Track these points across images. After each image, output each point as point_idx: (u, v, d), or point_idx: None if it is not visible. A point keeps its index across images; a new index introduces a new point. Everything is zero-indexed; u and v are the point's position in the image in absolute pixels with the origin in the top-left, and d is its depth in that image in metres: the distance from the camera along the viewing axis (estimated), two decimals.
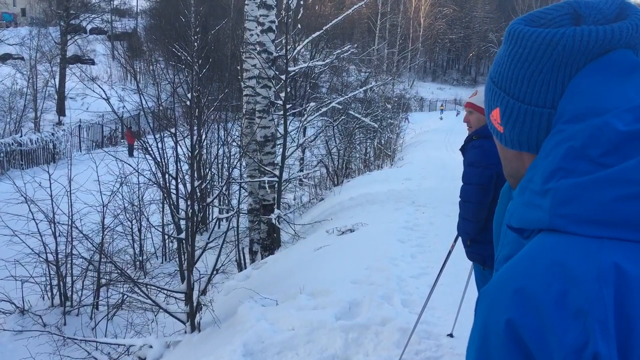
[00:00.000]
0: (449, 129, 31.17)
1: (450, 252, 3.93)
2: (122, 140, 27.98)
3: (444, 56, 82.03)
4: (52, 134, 23.71)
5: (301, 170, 15.34)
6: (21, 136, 22.27)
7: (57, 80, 32.64)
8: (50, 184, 7.62)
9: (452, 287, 4.80)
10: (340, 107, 15.06)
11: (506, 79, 0.86)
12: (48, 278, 7.71)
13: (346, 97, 15.29)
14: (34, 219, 7.52)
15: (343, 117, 16.68)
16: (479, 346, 0.73)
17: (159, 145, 6.00)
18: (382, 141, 20.83)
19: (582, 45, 0.78)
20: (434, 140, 25.43)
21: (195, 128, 6.30)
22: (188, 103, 6.38)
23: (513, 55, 0.84)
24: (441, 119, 43.95)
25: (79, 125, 25.78)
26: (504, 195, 2.26)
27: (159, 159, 5.95)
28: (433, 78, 76.54)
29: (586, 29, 0.78)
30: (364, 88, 18.47)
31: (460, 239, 3.49)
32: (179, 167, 6.07)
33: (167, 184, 6.09)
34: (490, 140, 3.17)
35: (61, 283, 7.68)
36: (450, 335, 4.18)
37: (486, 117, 0.96)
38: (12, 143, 20.84)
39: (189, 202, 5.85)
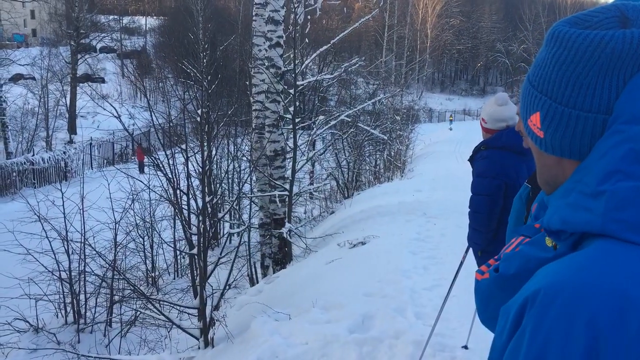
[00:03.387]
0: (459, 139, 31.06)
1: (461, 264, 3.91)
2: (132, 157, 28.18)
3: (452, 67, 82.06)
4: (64, 152, 23.93)
5: (311, 184, 15.36)
6: (33, 155, 22.50)
7: (68, 99, 33.06)
8: (63, 202, 7.68)
9: (465, 298, 4.76)
10: (349, 120, 15.09)
11: (548, 82, 0.83)
12: (62, 296, 7.74)
13: (355, 109, 15.31)
14: (47, 237, 7.57)
15: (352, 130, 16.71)
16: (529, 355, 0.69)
17: (170, 161, 6.03)
18: (392, 153, 20.82)
19: (631, 48, 0.76)
20: (444, 151, 25.37)
21: (205, 144, 6.33)
22: (198, 119, 6.42)
23: (557, 58, 0.82)
24: (450, 129, 43.86)
25: (90, 143, 26.02)
26: (516, 204, 2.26)
27: (170, 176, 5.98)
28: (441, 89, 76.54)
29: (636, 32, 0.76)
30: (372, 100, 18.50)
31: (471, 249, 3.48)
32: (190, 183, 6.11)
33: (179, 200, 6.12)
34: (499, 150, 3.17)
35: (74, 301, 7.71)
36: (465, 347, 4.15)
37: (523, 122, 0.93)
38: (25, 162, 21.06)
39: (200, 218, 5.87)
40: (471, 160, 3.39)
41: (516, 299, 0.76)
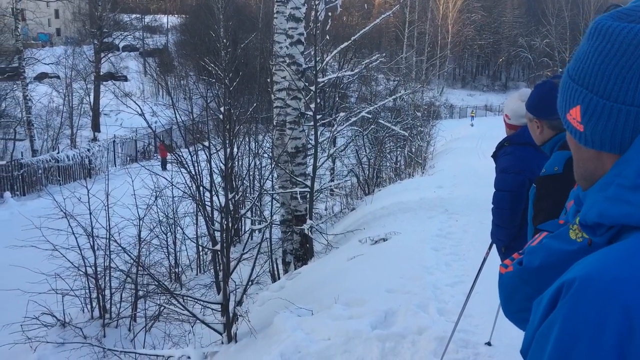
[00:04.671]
0: (480, 135, 30.81)
1: (485, 260, 3.90)
2: (155, 155, 28.47)
3: (473, 62, 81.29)
4: (88, 150, 24.28)
5: (332, 180, 15.36)
6: (58, 152, 22.87)
7: (91, 97, 33.51)
8: (89, 199, 7.80)
9: (488, 294, 4.73)
10: (370, 117, 15.05)
11: (590, 75, 0.83)
12: (87, 291, 7.87)
13: (375, 106, 15.27)
14: (73, 233, 7.70)
15: (373, 127, 16.67)
16: (558, 348, 0.69)
17: (193, 158, 6.10)
18: (413, 149, 20.72)
19: None
20: (466, 147, 25.17)
21: (228, 141, 6.39)
22: (220, 117, 6.47)
23: (600, 52, 0.82)
24: (472, 125, 43.50)
25: (114, 141, 26.35)
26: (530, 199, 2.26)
27: (193, 172, 6.05)
28: (463, 85, 75.94)
29: None
30: (393, 97, 18.43)
31: (495, 246, 3.47)
32: (212, 180, 6.17)
33: (202, 197, 6.19)
34: (522, 146, 3.15)
35: (100, 296, 7.84)
36: (488, 343, 4.14)
37: (561, 116, 0.93)
38: (50, 159, 21.42)
39: (223, 214, 5.93)
40: (494, 156, 3.38)
41: (550, 288, 0.77)
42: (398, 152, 20.32)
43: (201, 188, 6.13)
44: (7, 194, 18.24)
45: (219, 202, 6.14)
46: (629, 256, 0.70)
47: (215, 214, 6.33)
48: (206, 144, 6.33)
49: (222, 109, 6.31)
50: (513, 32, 74.39)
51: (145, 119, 6.37)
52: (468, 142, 28.17)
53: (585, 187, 0.90)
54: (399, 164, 20.14)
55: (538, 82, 2.65)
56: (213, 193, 6.14)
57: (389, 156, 19.51)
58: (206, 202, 6.22)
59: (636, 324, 0.64)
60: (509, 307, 1.18)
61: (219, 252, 6.00)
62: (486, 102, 66.26)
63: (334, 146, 15.17)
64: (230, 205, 6.09)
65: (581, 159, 0.91)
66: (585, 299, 0.69)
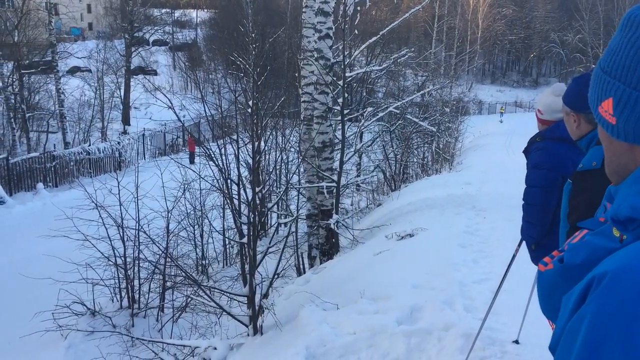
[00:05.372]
0: (510, 132, 30.35)
1: (514, 257, 3.85)
2: (183, 148, 28.78)
3: (504, 58, 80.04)
4: (118, 143, 24.67)
5: (358, 176, 15.33)
6: (89, 145, 23.30)
7: (122, 90, 34.04)
8: (119, 190, 7.93)
9: (517, 292, 4.68)
10: (397, 112, 14.97)
11: (622, 67, 0.82)
12: (117, 281, 8.01)
13: (403, 101, 15.18)
14: (104, 224, 7.85)
15: (400, 122, 16.57)
16: (587, 342, 0.68)
17: (222, 152, 6.15)
18: (440, 145, 20.55)
19: None
20: (494, 144, 24.84)
21: (255, 135, 6.43)
22: (249, 111, 6.51)
23: (633, 43, 0.80)
24: (501, 121, 42.89)
25: (143, 134, 26.72)
26: (563, 199, 2.21)
27: (221, 166, 6.10)
28: (492, 80, 74.85)
29: None
30: (421, 92, 18.29)
31: (524, 243, 3.42)
32: (240, 173, 6.21)
33: (229, 190, 6.24)
34: (555, 142, 3.10)
35: (129, 286, 7.98)
36: (516, 341, 4.09)
37: (593, 109, 0.92)
38: (81, 152, 21.84)
39: (250, 208, 5.97)
40: (526, 151, 3.32)
41: (580, 282, 0.75)
42: (425, 148, 20.17)
43: (229, 181, 6.17)
44: (40, 185, 18.66)
45: (246, 196, 6.19)
46: None
47: (243, 207, 6.38)
48: (234, 137, 6.38)
49: (249, 102, 6.34)
50: (545, 27, 72.98)
51: (174, 112, 6.45)
52: (497, 139, 27.79)
53: (617, 181, 0.89)
54: (426, 159, 19.99)
55: (576, 75, 2.61)
56: (241, 186, 6.18)
57: (416, 152, 19.38)
58: (233, 195, 6.27)
59: None
60: (548, 305, 1.16)
61: (246, 245, 6.05)
62: (516, 98, 65.22)
63: (361, 141, 15.13)
64: (257, 199, 6.13)
65: (613, 152, 0.89)
66: (616, 293, 0.68)
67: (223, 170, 6.09)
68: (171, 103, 6.40)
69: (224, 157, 6.17)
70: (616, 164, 0.89)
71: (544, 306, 1.17)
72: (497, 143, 25.29)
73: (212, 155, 6.09)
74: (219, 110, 7.35)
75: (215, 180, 6.72)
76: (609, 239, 0.92)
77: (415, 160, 19.28)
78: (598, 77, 0.88)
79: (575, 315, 0.73)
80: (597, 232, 0.99)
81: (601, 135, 0.92)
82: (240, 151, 6.29)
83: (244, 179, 6.35)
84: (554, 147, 3.07)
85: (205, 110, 6.49)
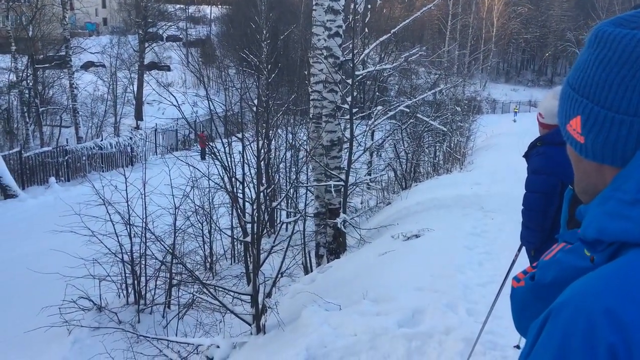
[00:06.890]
0: (523, 132, 30.07)
1: (514, 262, 3.81)
2: (195, 144, 28.87)
3: (518, 56, 79.37)
4: (130, 138, 24.79)
5: (369, 174, 15.28)
6: (102, 140, 23.43)
7: (135, 86, 34.21)
8: (126, 187, 7.96)
9: None
10: (409, 110, 14.89)
11: (590, 85, 0.79)
12: (123, 277, 8.06)
13: (415, 100, 15.09)
14: (111, 220, 7.89)
15: (412, 121, 16.49)
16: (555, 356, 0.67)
17: (227, 150, 6.14)
18: (452, 144, 20.43)
19: None
20: (507, 144, 24.62)
21: (262, 132, 6.41)
22: (253, 109, 6.50)
23: (601, 59, 0.78)
24: (514, 121, 42.56)
25: (155, 130, 26.83)
26: (564, 206, 2.17)
27: (226, 164, 6.09)
28: (506, 79, 74.25)
29: None
30: (433, 91, 18.18)
31: (524, 248, 3.38)
32: (245, 172, 6.20)
33: (234, 189, 6.23)
34: (555, 147, 3.05)
35: (135, 282, 8.02)
36: (517, 346, 4.05)
37: (561, 127, 0.90)
38: (94, 147, 21.98)
39: (254, 206, 5.97)
40: (526, 156, 3.29)
41: (543, 312, 0.73)
42: (437, 147, 20.07)
43: (233, 179, 6.17)
44: (52, 179, 18.81)
45: (251, 194, 6.18)
46: (617, 277, 0.66)
47: (248, 205, 6.38)
48: (239, 135, 6.37)
49: (256, 100, 6.33)
50: (561, 26, 72.23)
51: (180, 111, 6.44)
52: (509, 139, 27.56)
53: (587, 201, 0.86)
54: (437, 159, 19.89)
55: None
56: (245, 185, 6.18)
57: (427, 151, 19.29)
58: (238, 194, 6.27)
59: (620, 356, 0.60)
60: (520, 322, 1.14)
61: (250, 244, 6.05)
62: (530, 97, 64.62)
63: (372, 140, 15.08)
64: (262, 197, 6.12)
65: (582, 171, 0.87)
66: (557, 332, 0.66)
67: (228, 168, 6.09)
68: (177, 101, 6.40)
69: (229, 156, 6.17)
70: (585, 183, 0.87)
71: (516, 323, 1.15)
72: (509, 143, 25.07)
73: (217, 153, 6.09)
74: (229, 107, 7.35)
75: (220, 179, 6.73)
76: (580, 258, 0.89)
77: (426, 159, 19.19)
78: (566, 94, 0.85)
79: (533, 351, 0.71)
80: (570, 250, 0.96)
81: (570, 154, 0.89)
82: (247, 149, 6.28)
83: (250, 176, 6.34)
84: (554, 152, 3.03)
85: (210, 108, 6.49)
